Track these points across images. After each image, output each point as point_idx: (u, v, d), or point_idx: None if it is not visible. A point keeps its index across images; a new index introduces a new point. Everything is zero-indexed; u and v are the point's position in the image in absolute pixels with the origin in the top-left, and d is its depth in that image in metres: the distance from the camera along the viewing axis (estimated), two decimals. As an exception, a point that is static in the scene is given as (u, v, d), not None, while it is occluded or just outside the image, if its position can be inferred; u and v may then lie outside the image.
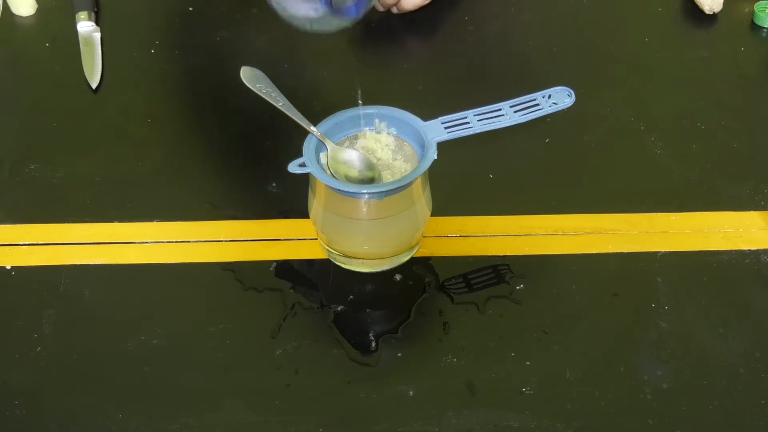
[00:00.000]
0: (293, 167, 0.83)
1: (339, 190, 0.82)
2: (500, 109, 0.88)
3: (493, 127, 0.87)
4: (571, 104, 0.88)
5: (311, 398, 0.81)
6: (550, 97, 0.88)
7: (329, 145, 0.85)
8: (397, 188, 0.82)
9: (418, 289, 0.88)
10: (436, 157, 0.83)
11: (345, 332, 0.85)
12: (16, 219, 0.94)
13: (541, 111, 0.88)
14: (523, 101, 0.89)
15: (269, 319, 0.86)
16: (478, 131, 0.86)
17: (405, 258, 0.90)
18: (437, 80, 1.09)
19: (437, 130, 0.85)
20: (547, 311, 0.86)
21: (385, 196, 0.82)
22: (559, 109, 0.88)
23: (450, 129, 0.86)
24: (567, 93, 0.89)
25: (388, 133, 0.88)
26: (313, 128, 0.85)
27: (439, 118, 0.86)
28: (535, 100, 0.88)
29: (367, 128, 0.88)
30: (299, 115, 0.86)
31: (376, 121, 0.88)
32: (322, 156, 0.85)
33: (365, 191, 0.82)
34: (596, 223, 0.93)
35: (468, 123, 0.86)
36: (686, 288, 0.88)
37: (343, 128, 0.88)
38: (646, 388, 0.81)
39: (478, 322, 0.86)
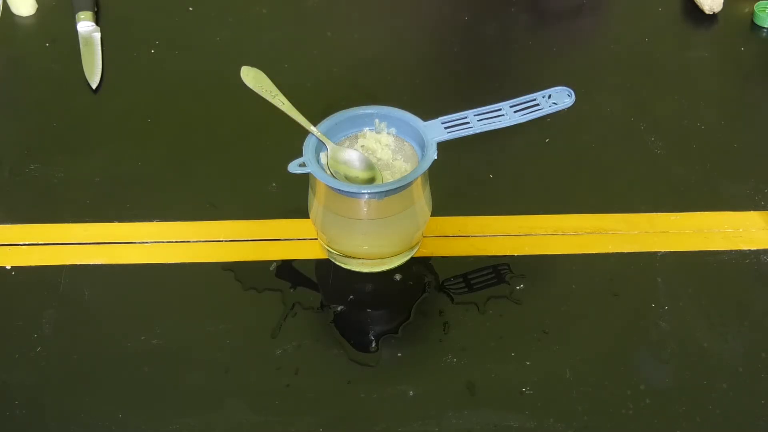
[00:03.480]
0: (293, 167, 0.82)
1: (339, 190, 0.82)
2: (500, 109, 0.88)
3: (493, 127, 0.87)
4: (571, 104, 0.88)
5: (311, 398, 0.81)
6: (550, 97, 0.88)
7: (329, 145, 0.85)
8: (397, 188, 0.82)
9: (418, 289, 0.88)
10: (436, 157, 0.83)
11: (345, 332, 0.85)
12: (16, 219, 0.94)
13: (541, 111, 0.88)
14: (523, 101, 0.88)
15: (269, 319, 0.86)
16: (478, 131, 0.86)
17: (405, 258, 0.90)
18: (437, 80, 1.09)
19: (437, 130, 0.85)
20: (547, 311, 0.87)
21: (385, 196, 0.82)
22: (559, 109, 0.88)
23: (450, 129, 0.86)
24: (567, 93, 0.89)
25: (388, 133, 0.88)
26: (313, 128, 0.85)
27: (439, 118, 0.86)
28: (535, 100, 0.88)
29: (367, 128, 0.88)
30: (299, 115, 0.86)
31: (376, 121, 0.88)
32: (322, 156, 0.85)
33: (365, 191, 0.82)
34: (596, 223, 0.93)
35: (468, 123, 0.86)
36: (686, 288, 0.88)
37: (343, 128, 0.88)
38: (646, 388, 0.81)
39: (478, 322, 0.86)
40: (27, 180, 0.98)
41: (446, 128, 0.86)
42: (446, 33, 1.15)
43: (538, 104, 0.88)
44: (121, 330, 0.85)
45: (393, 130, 0.88)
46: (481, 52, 1.13)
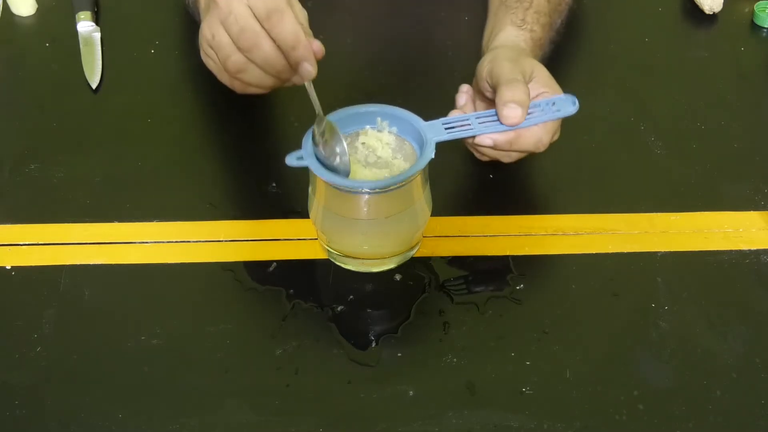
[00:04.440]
0: (291, 159, 0.82)
1: (336, 184, 0.82)
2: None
3: (493, 130, 0.86)
4: (574, 112, 0.87)
5: (311, 398, 0.81)
6: (554, 104, 0.87)
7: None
8: (392, 183, 0.82)
9: (418, 289, 0.88)
10: (433, 156, 0.83)
11: (345, 332, 0.85)
12: (16, 219, 0.94)
13: (543, 116, 0.87)
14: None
15: (269, 319, 0.86)
16: (478, 133, 0.86)
17: (405, 258, 0.90)
18: (437, 82, 1.09)
19: (438, 131, 0.85)
20: (547, 311, 0.86)
21: (383, 192, 0.82)
22: (561, 116, 0.88)
23: (450, 130, 0.85)
24: (572, 101, 0.88)
25: (390, 132, 0.88)
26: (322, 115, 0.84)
27: (440, 119, 0.86)
28: (539, 106, 0.87)
29: (369, 126, 0.88)
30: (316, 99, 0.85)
31: (378, 119, 0.88)
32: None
33: (363, 186, 0.82)
34: (596, 223, 0.93)
35: (469, 125, 0.86)
36: (686, 288, 0.88)
37: (344, 125, 0.87)
38: (646, 388, 0.81)
39: (478, 322, 0.86)
40: (27, 180, 0.98)
41: (447, 129, 0.85)
42: (448, 33, 1.15)
43: (541, 110, 0.87)
44: (121, 330, 0.85)
45: (394, 129, 0.88)
46: (480, 52, 1.13)
